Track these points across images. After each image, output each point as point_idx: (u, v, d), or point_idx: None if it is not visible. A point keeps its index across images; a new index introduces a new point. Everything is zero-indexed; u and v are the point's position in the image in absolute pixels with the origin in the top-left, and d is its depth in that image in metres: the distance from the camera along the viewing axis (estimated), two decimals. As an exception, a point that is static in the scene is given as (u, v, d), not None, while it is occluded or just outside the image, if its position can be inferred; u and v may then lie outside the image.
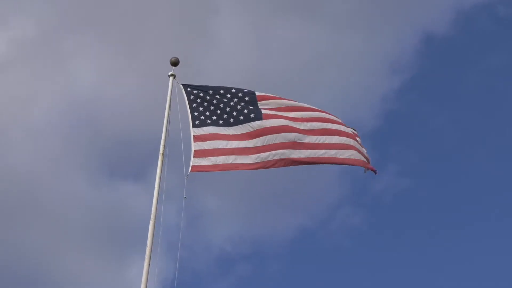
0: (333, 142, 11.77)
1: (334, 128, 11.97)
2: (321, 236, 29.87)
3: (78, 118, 29.43)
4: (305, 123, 11.82)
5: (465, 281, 27.92)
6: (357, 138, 12.08)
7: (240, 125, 11.58)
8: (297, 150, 11.54)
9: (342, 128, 12.05)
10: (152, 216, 10.58)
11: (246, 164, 11.21)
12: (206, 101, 11.78)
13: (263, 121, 11.64)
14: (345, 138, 11.88)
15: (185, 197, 10.57)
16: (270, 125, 11.61)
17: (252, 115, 11.70)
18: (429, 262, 28.57)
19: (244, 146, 11.33)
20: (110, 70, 30.93)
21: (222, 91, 11.90)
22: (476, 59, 34.49)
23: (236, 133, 11.48)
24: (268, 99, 11.97)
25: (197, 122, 11.52)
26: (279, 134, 11.55)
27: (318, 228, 30.08)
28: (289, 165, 11.54)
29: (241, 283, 27.78)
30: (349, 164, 11.89)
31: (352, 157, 11.81)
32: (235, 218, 27.77)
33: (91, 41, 32.09)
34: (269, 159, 11.33)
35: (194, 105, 11.73)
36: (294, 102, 12.16)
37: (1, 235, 26.09)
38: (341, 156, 11.74)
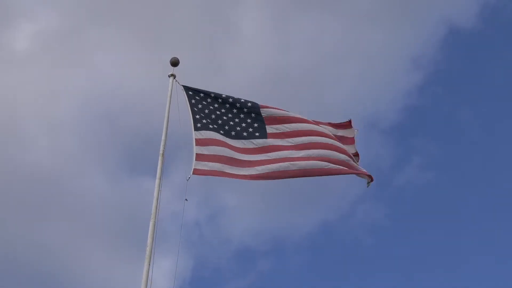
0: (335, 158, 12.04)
1: (335, 145, 12.24)
2: (342, 230, 29.79)
3: (99, 113, 29.67)
4: (306, 150, 11.98)
5: (488, 276, 27.69)
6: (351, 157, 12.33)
7: (243, 140, 11.86)
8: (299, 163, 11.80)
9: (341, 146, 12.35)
10: (153, 216, 10.69)
11: (247, 175, 11.44)
12: (208, 107, 12.03)
13: (267, 140, 11.97)
14: (344, 156, 12.17)
15: (186, 199, 10.79)
16: (274, 144, 11.95)
17: (257, 134, 11.99)
18: (451, 257, 28.39)
19: (245, 159, 11.60)
20: (131, 65, 31.12)
21: (227, 105, 12.18)
22: (501, 52, 34.13)
23: (238, 146, 11.76)
24: (275, 122, 12.21)
25: (198, 125, 11.70)
26: (282, 151, 11.86)
27: (339, 222, 30.01)
28: (289, 177, 11.77)
29: (262, 278, 27.85)
30: (349, 173, 12.17)
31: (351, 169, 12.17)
32: (256, 213, 27.81)
33: (113, 35, 32.39)
34: (270, 171, 11.56)
35: (196, 109, 11.92)
36: (298, 125, 12.30)
37: (21, 230, 26.42)
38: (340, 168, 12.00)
